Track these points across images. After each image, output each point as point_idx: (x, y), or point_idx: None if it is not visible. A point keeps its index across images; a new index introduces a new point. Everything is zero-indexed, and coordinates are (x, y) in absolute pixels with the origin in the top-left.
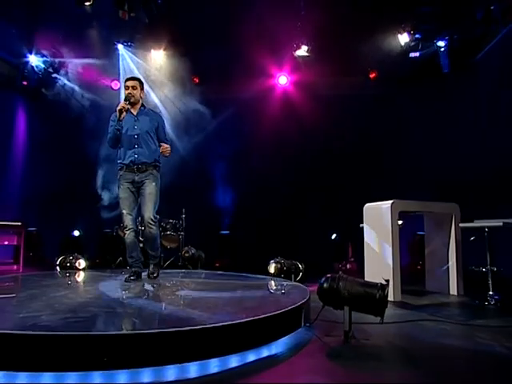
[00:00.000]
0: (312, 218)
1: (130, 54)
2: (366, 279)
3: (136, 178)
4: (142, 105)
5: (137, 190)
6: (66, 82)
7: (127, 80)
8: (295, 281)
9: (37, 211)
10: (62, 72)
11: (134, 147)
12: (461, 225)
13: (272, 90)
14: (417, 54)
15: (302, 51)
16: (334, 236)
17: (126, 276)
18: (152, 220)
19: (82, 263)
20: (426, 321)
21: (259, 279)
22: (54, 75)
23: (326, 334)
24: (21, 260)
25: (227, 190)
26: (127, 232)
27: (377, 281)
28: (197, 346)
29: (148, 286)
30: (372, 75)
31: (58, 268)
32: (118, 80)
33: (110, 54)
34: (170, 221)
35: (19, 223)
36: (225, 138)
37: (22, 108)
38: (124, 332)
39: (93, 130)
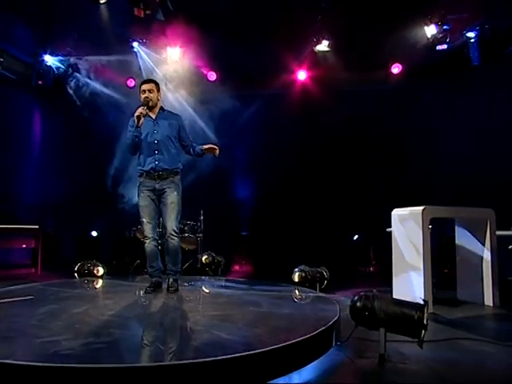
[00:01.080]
0: (334, 218)
1: (146, 51)
2: (394, 286)
3: (157, 186)
4: (161, 108)
5: (157, 197)
6: (81, 80)
7: (143, 83)
8: (320, 289)
9: (54, 212)
10: (77, 71)
11: (155, 153)
12: (498, 232)
13: (292, 85)
14: (444, 47)
15: (323, 46)
16: (355, 237)
17: (146, 287)
18: (174, 231)
19: (100, 270)
20: (465, 339)
21: (283, 289)
22: (69, 74)
23: (359, 354)
24: (39, 263)
25: (247, 189)
26: (147, 241)
27: (406, 286)
28: (227, 375)
29: (169, 301)
30: (396, 69)
31: (76, 275)
32: (134, 78)
33: (126, 52)
34: (188, 222)
35: (36, 226)
36: (243, 135)
37: (38, 108)
38: (152, 364)
39: (110, 129)
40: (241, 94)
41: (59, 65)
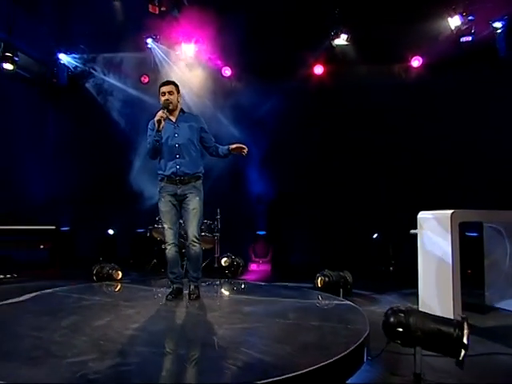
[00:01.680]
0: (353, 216)
1: (160, 47)
2: (420, 291)
3: (178, 191)
4: (181, 110)
5: (179, 203)
6: (95, 78)
7: (162, 85)
8: (344, 294)
9: (70, 210)
10: (92, 68)
11: (176, 157)
12: None
13: (309, 79)
14: (469, 38)
15: (341, 40)
16: (375, 236)
17: (167, 294)
18: (196, 238)
19: (119, 274)
20: (502, 355)
21: (307, 295)
22: (84, 72)
23: (392, 371)
24: (57, 263)
25: (264, 186)
26: (168, 247)
27: (433, 292)
28: None
29: (193, 310)
30: (415, 62)
31: (94, 278)
32: (148, 74)
33: (140, 49)
34: (205, 221)
35: (53, 227)
36: (260, 130)
37: (52, 106)
38: None
39: (126, 127)
40: (256, 89)
41: (74, 63)
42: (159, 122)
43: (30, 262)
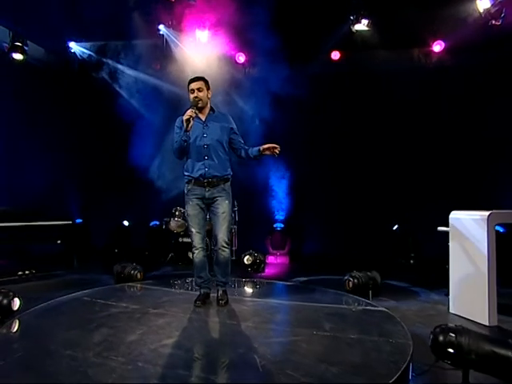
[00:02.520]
0: (373, 206)
1: (173, 34)
2: (451, 292)
3: (207, 194)
4: (211, 108)
5: (206, 206)
6: (107, 66)
7: (191, 82)
8: (373, 297)
9: (82, 201)
10: (103, 57)
11: (204, 159)
12: None
13: (328, 65)
14: (499, 22)
15: (362, 25)
16: (395, 227)
17: (195, 300)
18: (226, 243)
19: (139, 275)
20: None
21: (336, 298)
22: (95, 60)
23: None
24: (74, 258)
25: (281, 177)
26: (196, 251)
27: (466, 294)
28: None
29: (224, 319)
30: (437, 47)
31: (115, 278)
32: (160, 61)
33: (153, 35)
34: None
35: (69, 221)
36: (275, 119)
37: (64, 96)
38: None
39: (139, 114)
40: (272, 75)
41: (85, 51)
42: (188, 121)
43: (46, 257)
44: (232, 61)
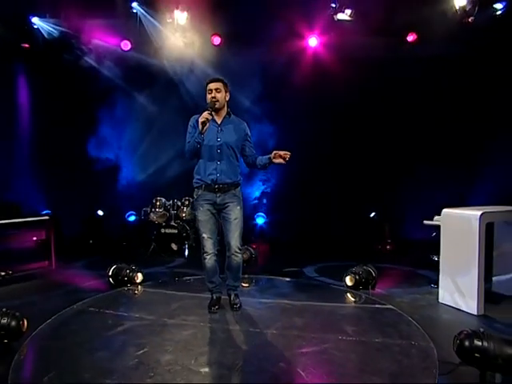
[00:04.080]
0: (352, 194)
1: (148, 12)
2: (440, 283)
3: (218, 200)
4: (228, 112)
5: (217, 212)
6: (74, 45)
7: (209, 82)
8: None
9: (50, 191)
10: (69, 34)
11: (216, 164)
12: None
13: (303, 52)
14: (471, 19)
15: (345, 15)
16: (372, 214)
17: (209, 305)
18: (239, 249)
19: (139, 277)
20: None
21: (341, 296)
22: (61, 38)
23: None
24: (53, 256)
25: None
26: (208, 257)
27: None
28: None
29: (247, 326)
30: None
31: (111, 281)
32: (130, 40)
33: (125, 14)
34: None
35: (47, 217)
36: (251, 103)
37: (25, 74)
38: None
39: (108, 99)
40: (246, 60)
41: (49, 28)
42: (204, 123)
43: (22, 256)
44: (208, 43)
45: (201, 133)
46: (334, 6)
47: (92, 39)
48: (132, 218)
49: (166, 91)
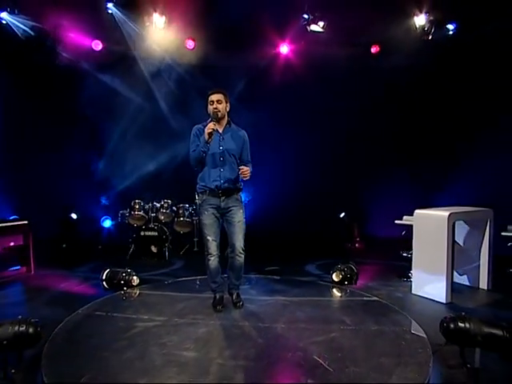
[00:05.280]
0: (321, 195)
1: (124, 12)
2: (413, 277)
3: (222, 204)
4: (228, 122)
5: (221, 215)
6: (45, 42)
7: (211, 94)
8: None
9: (22, 197)
10: (41, 31)
11: (220, 171)
12: (503, 233)
13: (274, 59)
14: (429, 37)
15: (318, 27)
16: (342, 215)
17: (214, 304)
18: (243, 250)
19: (135, 280)
20: None
21: (333, 291)
22: (32, 35)
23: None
24: (31, 261)
25: None
26: (212, 258)
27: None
28: None
29: (257, 322)
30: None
31: (105, 284)
32: (101, 40)
33: (99, 15)
34: (181, 205)
35: (25, 221)
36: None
37: None
38: None
39: (80, 98)
40: (217, 64)
41: (21, 26)
42: (210, 134)
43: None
44: (183, 47)
45: (207, 142)
46: (306, 17)
47: (64, 37)
48: (107, 223)
49: (140, 94)
